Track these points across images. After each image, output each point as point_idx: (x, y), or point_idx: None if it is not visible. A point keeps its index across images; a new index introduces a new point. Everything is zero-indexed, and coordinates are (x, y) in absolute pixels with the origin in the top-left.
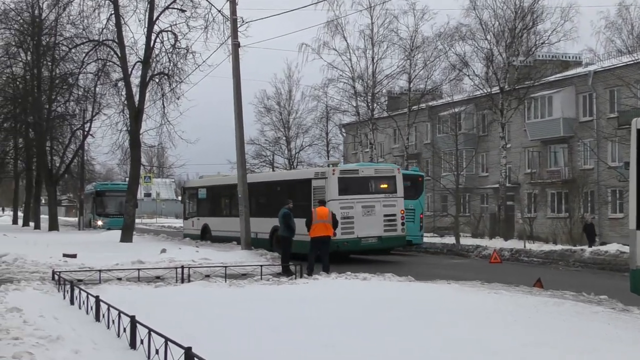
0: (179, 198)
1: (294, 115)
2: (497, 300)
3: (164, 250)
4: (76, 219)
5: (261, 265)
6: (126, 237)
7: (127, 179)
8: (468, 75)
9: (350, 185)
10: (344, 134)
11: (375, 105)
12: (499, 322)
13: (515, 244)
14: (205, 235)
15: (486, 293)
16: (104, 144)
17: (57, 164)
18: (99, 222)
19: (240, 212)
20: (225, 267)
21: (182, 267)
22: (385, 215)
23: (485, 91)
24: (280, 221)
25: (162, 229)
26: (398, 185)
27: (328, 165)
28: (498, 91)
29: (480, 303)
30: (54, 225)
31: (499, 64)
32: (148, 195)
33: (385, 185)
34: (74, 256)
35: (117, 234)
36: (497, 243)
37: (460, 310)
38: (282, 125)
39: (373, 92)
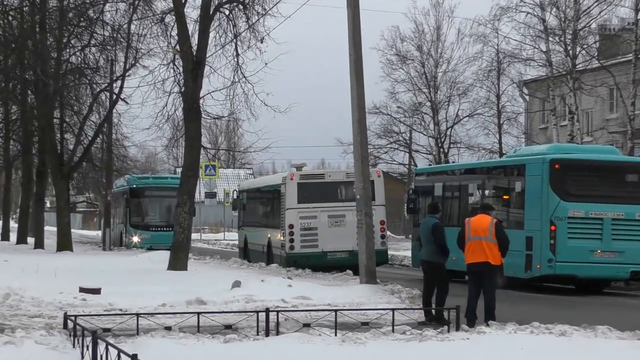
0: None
1: (445, 67)
2: None
3: (237, 284)
4: (99, 232)
5: (393, 309)
6: (177, 263)
7: (179, 170)
8: None
9: (313, 191)
10: (527, 97)
11: (578, 49)
12: None
13: None
14: (246, 251)
15: None
16: (144, 114)
17: (71, 146)
18: (135, 238)
19: (358, 223)
20: (335, 311)
21: (267, 311)
22: None
23: None
24: (427, 238)
25: (234, 249)
26: (377, 191)
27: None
28: None
29: None
30: (65, 243)
31: None
32: (212, 195)
33: None
34: (97, 291)
35: (163, 256)
36: None
37: None
38: (425, 84)
39: (575, 28)
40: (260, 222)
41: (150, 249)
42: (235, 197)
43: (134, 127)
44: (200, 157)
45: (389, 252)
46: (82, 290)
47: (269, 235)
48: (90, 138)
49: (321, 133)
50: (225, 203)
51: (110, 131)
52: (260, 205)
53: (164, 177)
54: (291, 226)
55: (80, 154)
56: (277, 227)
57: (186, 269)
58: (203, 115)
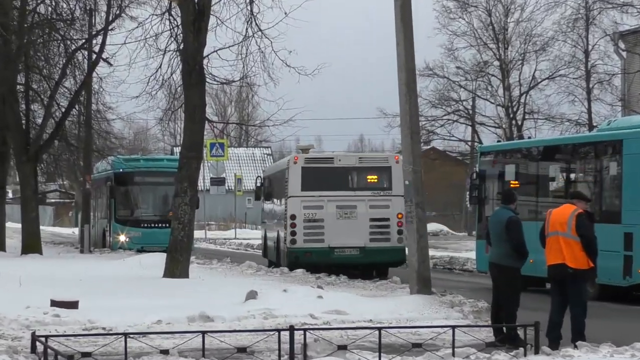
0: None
1: (517, 16)
2: None
3: (252, 295)
4: (75, 230)
5: (453, 327)
6: (176, 268)
7: (178, 150)
8: None
9: (320, 178)
10: (624, 54)
11: None
12: None
13: None
14: (266, 250)
15: None
16: (132, 78)
17: (40, 120)
18: (122, 237)
19: (407, 216)
20: (379, 329)
21: (292, 329)
22: (373, 220)
23: None
24: (499, 236)
25: (248, 251)
26: (394, 179)
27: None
28: None
29: None
30: (32, 244)
31: None
32: (219, 182)
33: (374, 179)
34: (74, 305)
35: (157, 260)
36: None
37: None
38: (492, 38)
39: None
40: (273, 214)
41: (141, 250)
42: (258, 184)
43: (120, 96)
44: (205, 133)
45: (449, 254)
46: (54, 303)
47: (278, 229)
48: (63, 109)
49: (360, 102)
50: (236, 192)
51: (89, 100)
52: (274, 194)
53: (159, 159)
54: (293, 217)
55: (51, 130)
56: (283, 219)
57: (187, 276)
58: (207, 80)
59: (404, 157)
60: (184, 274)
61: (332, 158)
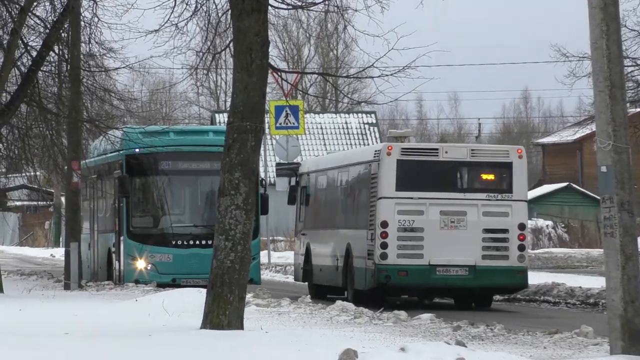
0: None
1: None
2: None
3: (349, 356)
4: (56, 251)
5: None
6: (222, 314)
7: (223, 119)
8: None
9: (421, 174)
10: None
11: None
12: None
13: None
14: (308, 270)
15: None
16: (145, 1)
17: None
18: (140, 264)
19: (605, 224)
20: None
21: None
22: (488, 231)
23: None
24: None
25: None
26: (516, 178)
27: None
28: None
29: None
30: None
31: None
32: (288, 170)
33: (491, 178)
34: None
35: (191, 301)
36: None
37: None
38: None
39: None
40: (333, 222)
41: (172, 284)
42: (294, 183)
43: (127, 30)
44: (268, 89)
45: None
46: None
47: (348, 241)
48: (34, 54)
49: (524, 38)
50: None
51: (76, 39)
52: (335, 195)
53: (201, 132)
54: (384, 224)
55: (14, 88)
56: (363, 227)
57: (242, 327)
58: (271, 2)
59: (598, 127)
60: (236, 323)
61: (437, 149)
